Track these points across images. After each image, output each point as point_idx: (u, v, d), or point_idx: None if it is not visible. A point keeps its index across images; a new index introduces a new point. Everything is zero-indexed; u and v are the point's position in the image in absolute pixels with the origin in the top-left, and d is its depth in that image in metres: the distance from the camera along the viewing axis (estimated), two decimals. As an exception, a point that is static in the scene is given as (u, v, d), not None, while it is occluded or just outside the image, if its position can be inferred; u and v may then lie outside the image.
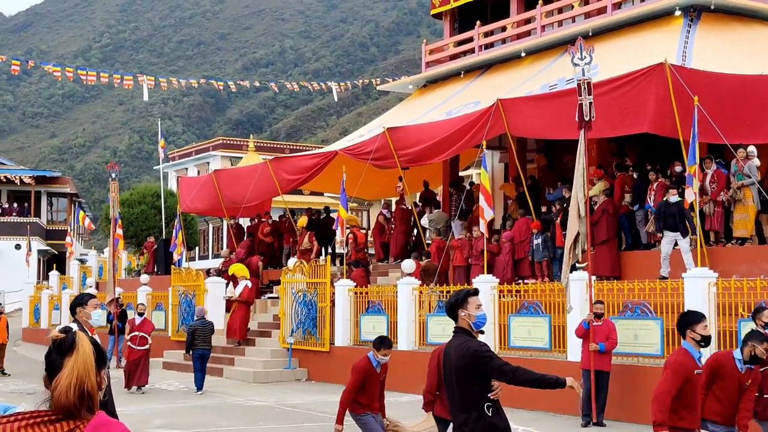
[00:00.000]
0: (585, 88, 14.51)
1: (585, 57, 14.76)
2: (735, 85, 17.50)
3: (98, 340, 7.98)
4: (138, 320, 20.84)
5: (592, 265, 16.13)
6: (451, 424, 6.63)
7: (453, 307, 6.58)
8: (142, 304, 22.65)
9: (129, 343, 20.22)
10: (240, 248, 28.77)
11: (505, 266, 20.53)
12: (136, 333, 20.29)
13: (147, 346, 20.20)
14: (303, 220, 28.07)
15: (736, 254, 16.93)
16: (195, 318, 20.89)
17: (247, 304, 24.18)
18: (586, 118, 14.45)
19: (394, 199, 29.16)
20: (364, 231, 28.09)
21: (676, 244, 17.27)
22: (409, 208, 26.06)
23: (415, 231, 25.57)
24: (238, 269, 24.86)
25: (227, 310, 25.09)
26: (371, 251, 28.83)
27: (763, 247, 16.81)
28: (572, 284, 16.28)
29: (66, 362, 2.85)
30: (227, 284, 25.80)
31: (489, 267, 19.62)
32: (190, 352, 19.87)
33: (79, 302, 8.11)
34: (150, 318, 29.12)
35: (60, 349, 2.89)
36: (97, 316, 8.15)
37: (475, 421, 6.31)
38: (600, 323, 14.32)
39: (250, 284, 24.26)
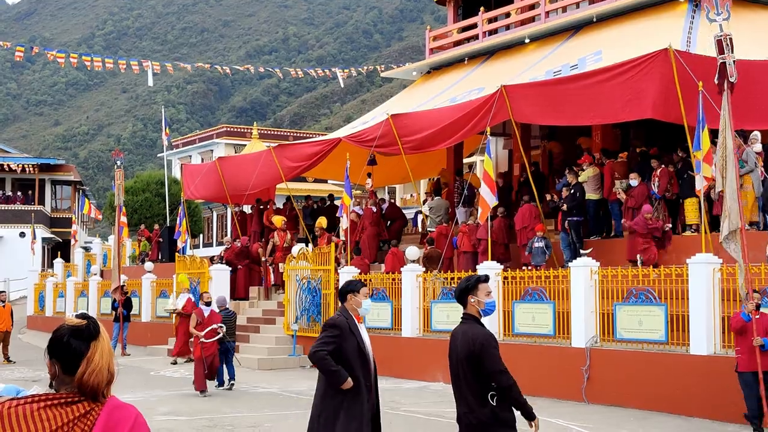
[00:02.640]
0: (728, 44, 12.87)
1: (721, 12, 13.18)
2: (740, 70, 17.40)
3: (365, 329, 7.63)
4: (206, 311, 17.60)
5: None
6: (456, 413, 6.62)
7: (463, 293, 6.54)
8: (207, 292, 18.90)
9: (203, 339, 17.10)
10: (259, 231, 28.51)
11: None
12: (215, 326, 17.35)
13: (217, 337, 17.35)
14: (280, 219, 27.45)
15: (740, 240, 16.88)
16: (217, 309, 18.58)
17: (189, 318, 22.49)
18: (732, 79, 12.82)
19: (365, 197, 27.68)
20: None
21: None
22: (379, 207, 25.53)
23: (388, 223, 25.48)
24: (183, 279, 23.39)
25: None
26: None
27: (766, 233, 16.76)
28: (575, 271, 16.30)
29: (94, 347, 2.95)
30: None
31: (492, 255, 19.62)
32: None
33: (351, 289, 7.47)
34: (155, 306, 29.22)
35: (83, 336, 2.96)
36: (368, 306, 7.51)
37: (480, 410, 6.31)
38: (758, 316, 12.21)
39: (192, 296, 22.93)
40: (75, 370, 2.92)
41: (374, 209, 25.39)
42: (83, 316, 3.02)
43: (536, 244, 19.81)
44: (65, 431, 2.86)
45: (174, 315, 22.60)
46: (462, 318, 6.58)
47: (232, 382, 18.11)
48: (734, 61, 12.84)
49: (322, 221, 26.28)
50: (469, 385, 6.36)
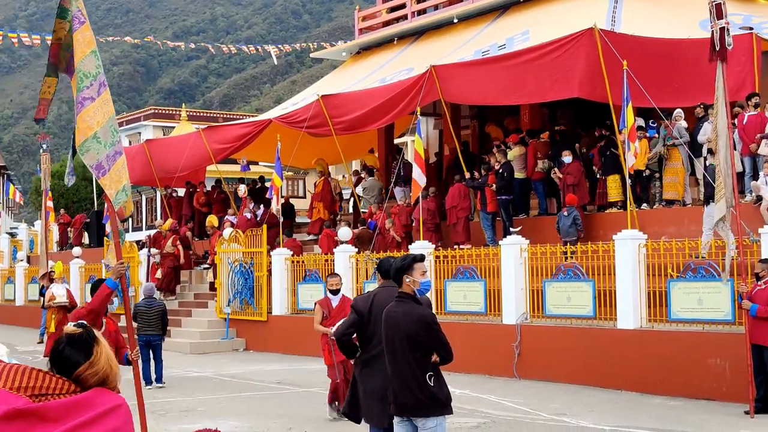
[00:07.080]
0: (714, 11, 11.78)
1: None
2: (664, 48, 17.76)
3: None
4: (334, 301, 12.46)
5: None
6: (390, 390, 6.63)
7: (399, 272, 6.59)
8: (336, 275, 13.30)
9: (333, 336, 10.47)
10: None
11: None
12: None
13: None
14: (168, 224, 26.73)
15: (665, 216, 17.27)
16: (142, 297, 16.97)
17: (69, 311, 17.20)
18: (728, 47, 11.76)
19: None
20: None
21: None
22: (255, 217, 25.02)
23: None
24: (59, 268, 20.61)
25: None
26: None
27: (691, 209, 17.16)
28: (505, 249, 16.49)
29: (97, 350, 3.07)
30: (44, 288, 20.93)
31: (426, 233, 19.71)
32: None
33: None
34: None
35: (77, 343, 3.07)
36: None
37: (421, 391, 6.37)
38: (763, 286, 11.95)
39: (68, 286, 20.93)
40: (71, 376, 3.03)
41: (249, 216, 24.74)
42: (80, 325, 3.14)
43: (564, 219, 17.93)
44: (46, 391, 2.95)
45: (53, 310, 18.67)
46: (398, 297, 6.60)
47: (159, 384, 16.17)
48: (726, 30, 11.71)
49: (212, 220, 26.06)
50: (409, 365, 6.40)
